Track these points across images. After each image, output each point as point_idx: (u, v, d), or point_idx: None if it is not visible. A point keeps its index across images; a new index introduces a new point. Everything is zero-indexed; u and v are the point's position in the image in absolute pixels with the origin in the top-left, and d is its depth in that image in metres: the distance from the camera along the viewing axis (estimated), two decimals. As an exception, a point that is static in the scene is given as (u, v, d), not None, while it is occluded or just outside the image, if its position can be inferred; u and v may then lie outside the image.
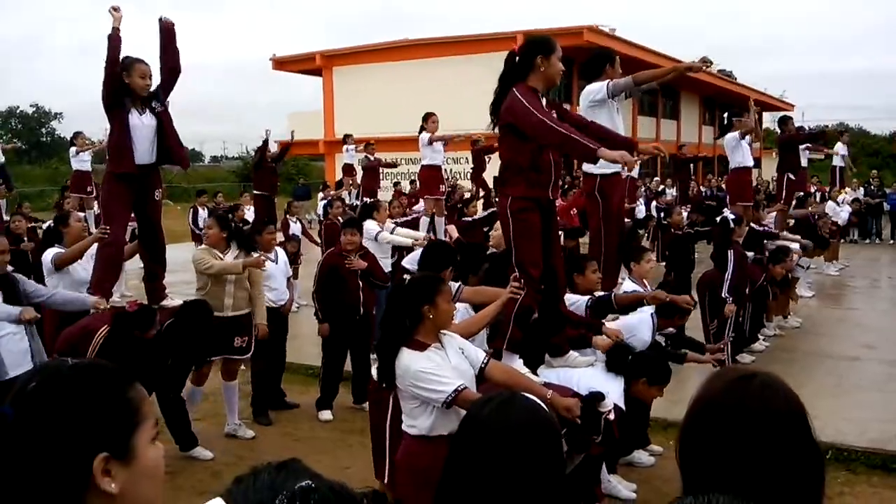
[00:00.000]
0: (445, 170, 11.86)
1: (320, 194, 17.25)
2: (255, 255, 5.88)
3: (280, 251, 6.80)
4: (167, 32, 5.50)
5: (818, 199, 14.88)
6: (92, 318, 5.07)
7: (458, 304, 4.25)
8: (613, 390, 4.08)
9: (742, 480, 1.23)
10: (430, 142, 10.62)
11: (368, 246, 7.06)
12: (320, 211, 15.31)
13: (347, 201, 13.81)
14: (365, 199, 13.54)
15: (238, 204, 14.29)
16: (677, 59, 21.44)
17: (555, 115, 4.20)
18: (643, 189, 17.89)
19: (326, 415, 6.41)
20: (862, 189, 19.78)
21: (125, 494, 1.14)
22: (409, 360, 3.18)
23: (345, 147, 17.11)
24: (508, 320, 4.16)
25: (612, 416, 3.69)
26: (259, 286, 6.02)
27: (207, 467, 5.41)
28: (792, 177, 11.17)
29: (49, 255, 5.70)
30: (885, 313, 10.48)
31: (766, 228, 9.36)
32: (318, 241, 10.96)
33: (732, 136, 9.71)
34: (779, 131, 11.44)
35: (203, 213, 13.53)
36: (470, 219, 10.15)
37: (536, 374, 4.22)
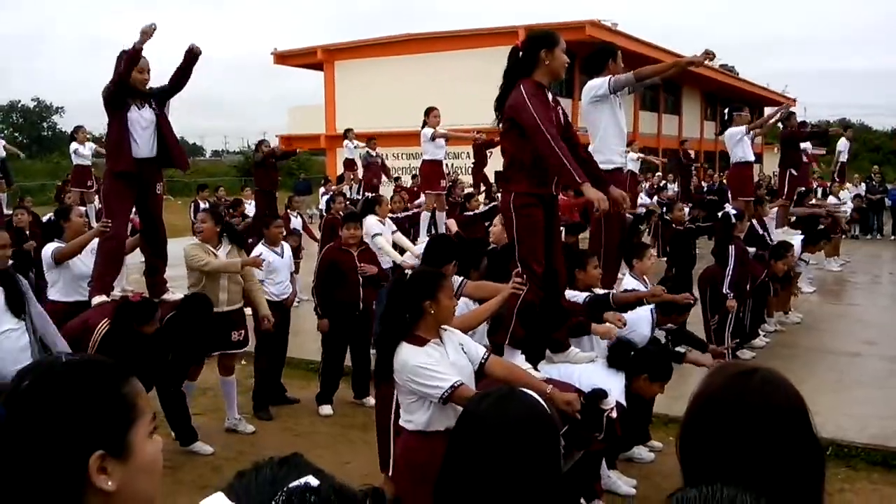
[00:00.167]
0: (446, 164, 11.84)
1: (321, 189, 17.24)
2: (254, 253, 5.87)
3: (286, 245, 6.82)
4: (193, 58, 5.57)
5: (819, 195, 14.85)
6: (93, 312, 5.08)
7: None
8: (615, 386, 4.07)
9: (743, 476, 1.23)
10: (433, 137, 10.59)
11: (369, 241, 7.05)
12: (322, 206, 15.31)
13: (348, 196, 13.79)
14: (366, 193, 13.52)
15: (239, 199, 14.28)
16: (679, 55, 21.45)
17: (559, 117, 4.20)
18: (645, 185, 17.87)
19: (327, 410, 6.42)
20: (863, 185, 19.76)
21: (123, 491, 1.13)
22: (407, 354, 3.18)
23: (346, 142, 17.10)
24: (511, 315, 4.17)
25: (614, 414, 3.68)
26: (254, 280, 6.02)
27: (208, 462, 5.42)
28: (794, 172, 11.13)
29: (49, 249, 5.68)
30: (885, 309, 10.46)
31: (764, 234, 9.23)
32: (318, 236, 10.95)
33: (736, 130, 9.66)
34: (781, 126, 11.38)
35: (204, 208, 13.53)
36: (471, 213, 10.11)
37: (537, 370, 4.22)
